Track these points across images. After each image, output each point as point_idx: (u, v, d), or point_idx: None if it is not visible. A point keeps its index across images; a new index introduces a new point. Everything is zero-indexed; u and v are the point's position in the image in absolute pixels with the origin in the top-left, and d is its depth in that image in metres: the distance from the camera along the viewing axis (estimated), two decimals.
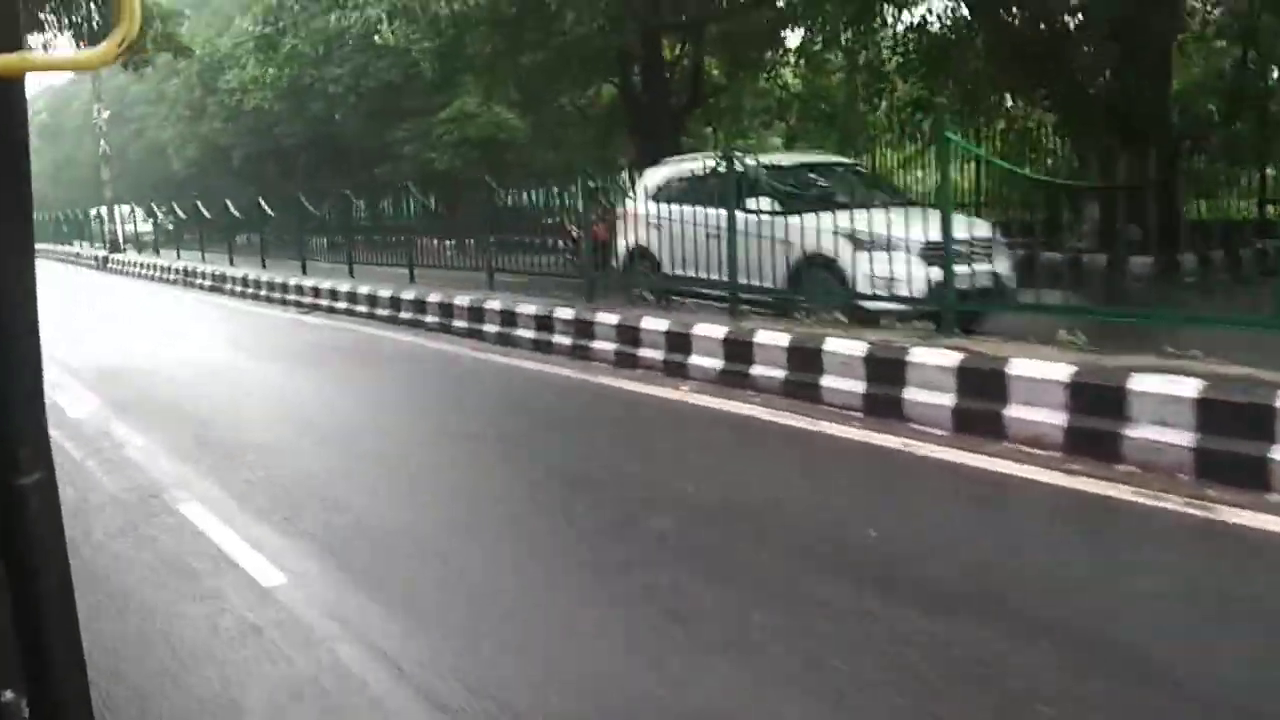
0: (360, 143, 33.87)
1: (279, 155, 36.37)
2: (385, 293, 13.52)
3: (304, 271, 17.16)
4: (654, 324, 9.14)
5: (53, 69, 1.17)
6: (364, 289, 14.23)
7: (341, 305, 14.60)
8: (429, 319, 12.44)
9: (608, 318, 9.72)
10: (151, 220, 28.95)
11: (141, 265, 25.33)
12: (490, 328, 11.37)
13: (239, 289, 18.33)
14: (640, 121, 24.07)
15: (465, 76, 25.30)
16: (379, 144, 32.97)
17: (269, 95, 28.92)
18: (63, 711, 1.07)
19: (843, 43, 18.80)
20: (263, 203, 19.80)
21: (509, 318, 11.10)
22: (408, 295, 13.10)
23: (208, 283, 19.97)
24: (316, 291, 15.37)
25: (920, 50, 17.19)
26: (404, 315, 13.01)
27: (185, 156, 40.33)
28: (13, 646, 1.03)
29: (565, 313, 10.24)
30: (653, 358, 9.06)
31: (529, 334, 10.71)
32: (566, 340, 10.15)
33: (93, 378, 10.18)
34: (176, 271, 22.38)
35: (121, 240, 30.55)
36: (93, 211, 31.53)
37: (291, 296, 16.19)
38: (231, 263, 20.67)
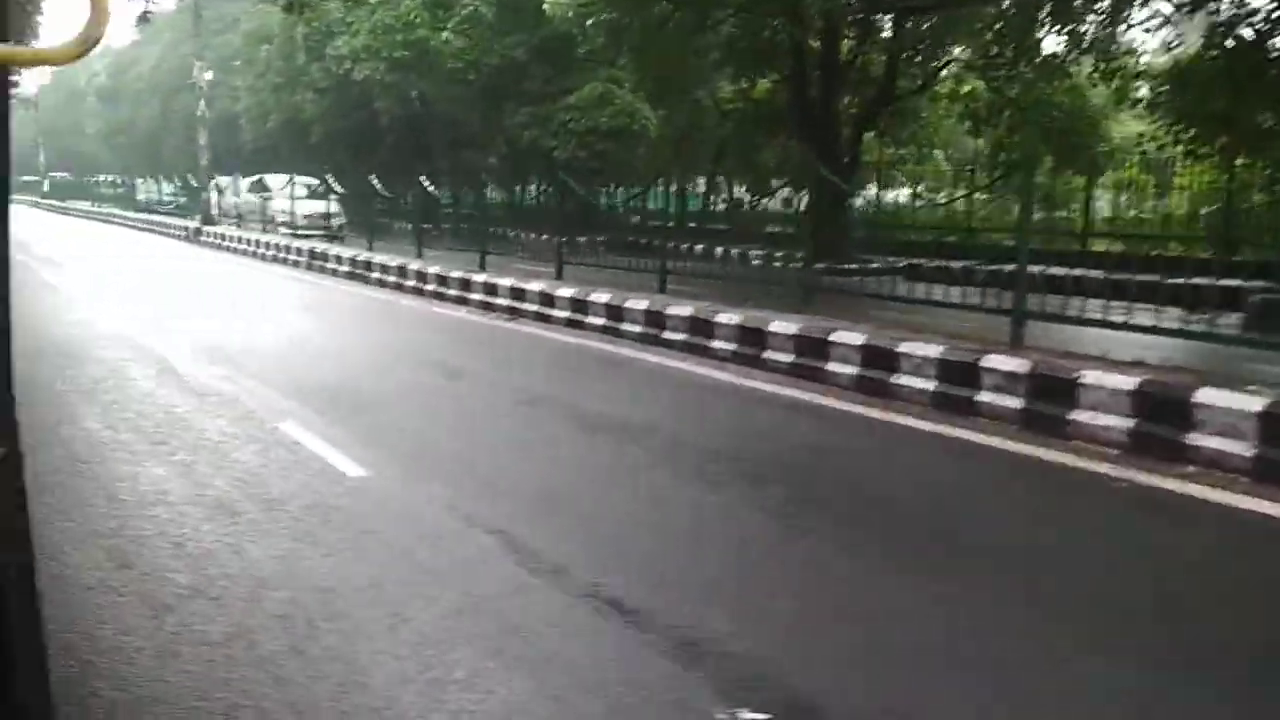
0: (467, 125, 31.21)
1: (365, 133, 33.72)
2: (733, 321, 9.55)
3: (487, 269, 14.35)
4: None
5: (17, 63, 1.42)
6: (728, 318, 9.57)
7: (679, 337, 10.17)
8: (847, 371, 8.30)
9: None
10: (332, 197, 25.18)
11: (260, 245, 22.21)
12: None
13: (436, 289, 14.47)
14: (809, 123, 21.29)
15: (619, 59, 22.71)
16: (488, 127, 30.35)
17: (380, 67, 26.34)
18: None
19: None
20: (424, 180, 16.82)
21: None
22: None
23: (377, 275, 16.08)
24: (619, 313, 10.95)
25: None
26: (782, 358, 8.92)
27: (261, 129, 37.80)
28: None
29: None
30: None
31: None
32: None
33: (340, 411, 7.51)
34: (345, 261, 18.24)
35: (218, 214, 27.82)
36: (223, 181, 27.98)
37: (533, 306, 12.35)
38: (420, 254, 16.98)
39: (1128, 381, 6.19)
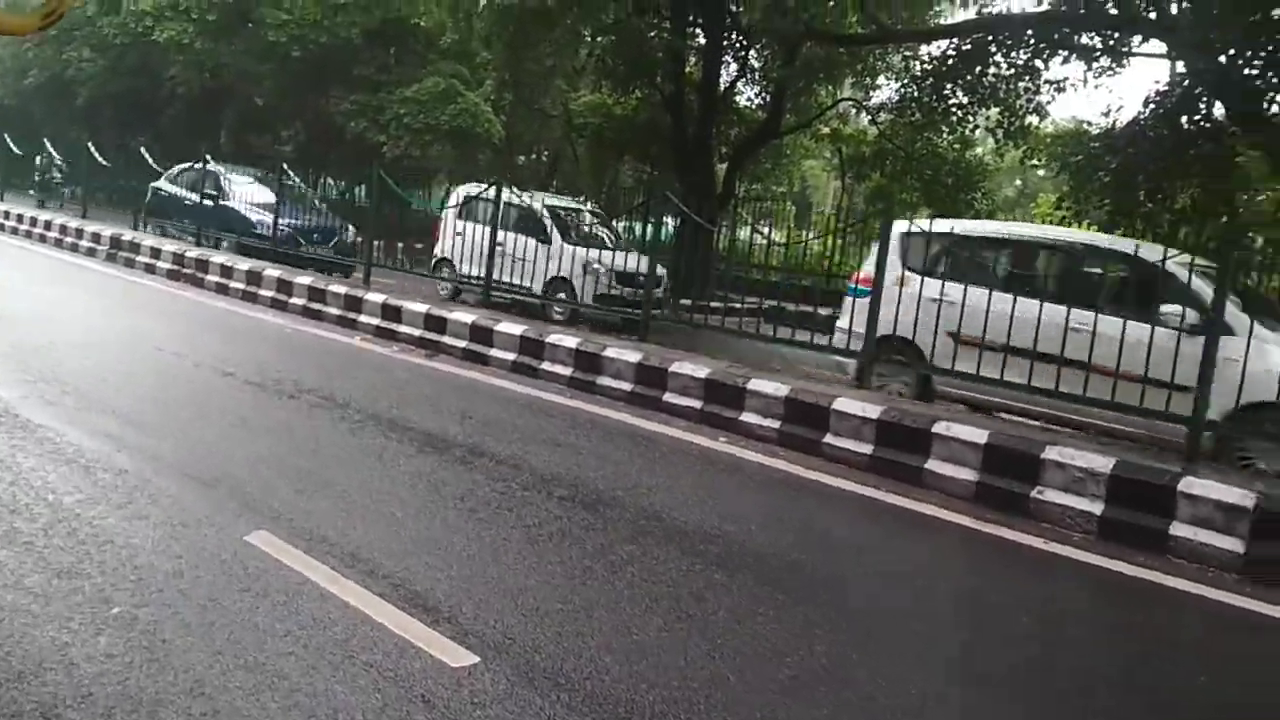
0: (269, 106, 27.93)
1: (144, 102, 29.46)
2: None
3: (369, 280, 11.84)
4: None
5: None
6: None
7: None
8: None
9: None
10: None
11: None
12: None
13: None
14: (684, 151, 19.81)
15: (481, 51, 20.51)
16: (296, 111, 27.25)
17: (189, 29, 22.89)
18: None
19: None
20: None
21: None
22: None
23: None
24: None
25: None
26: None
27: (11, 85, 32.82)
28: None
29: None
30: None
31: None
32: None
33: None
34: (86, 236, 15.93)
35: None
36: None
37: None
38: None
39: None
